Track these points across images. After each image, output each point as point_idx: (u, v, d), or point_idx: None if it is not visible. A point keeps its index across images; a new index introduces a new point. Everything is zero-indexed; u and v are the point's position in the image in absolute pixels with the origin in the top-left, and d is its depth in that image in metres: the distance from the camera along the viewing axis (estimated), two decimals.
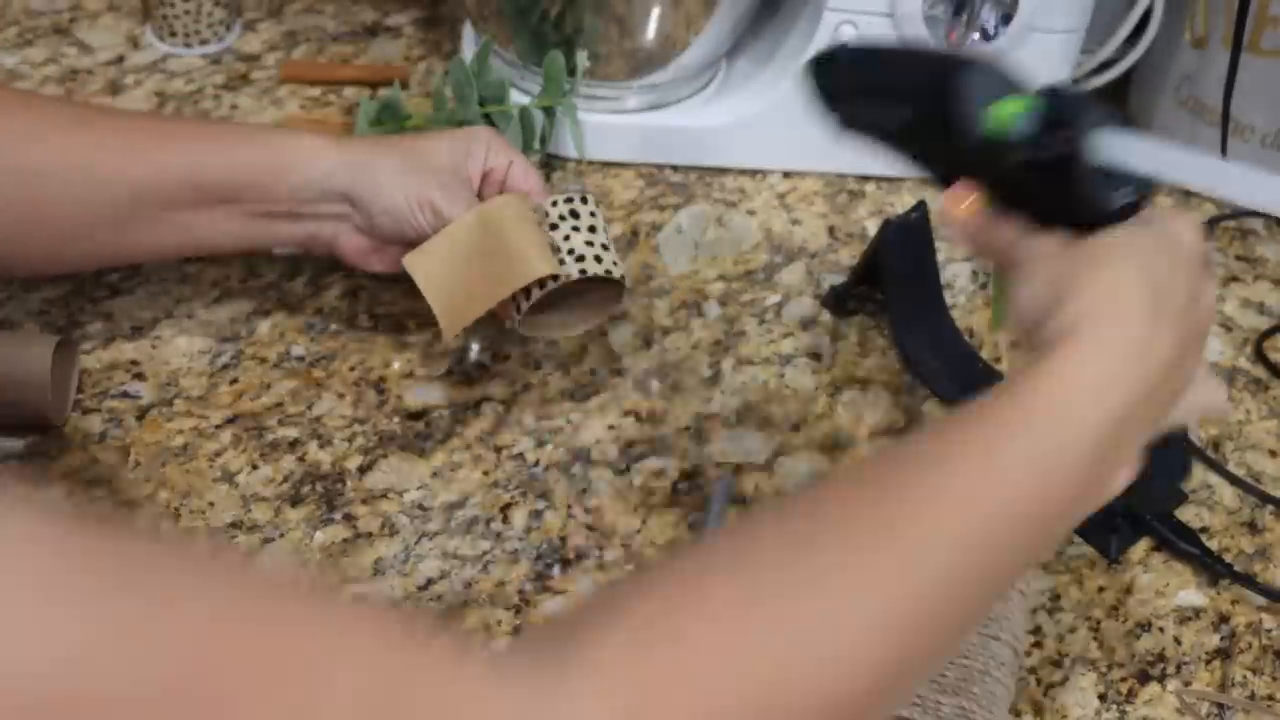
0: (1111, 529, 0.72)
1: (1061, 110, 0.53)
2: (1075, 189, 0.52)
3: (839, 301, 0.86)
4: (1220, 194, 0.56)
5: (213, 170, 0.70)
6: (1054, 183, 0.53)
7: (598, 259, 0.72)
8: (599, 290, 0.76)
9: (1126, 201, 0.53)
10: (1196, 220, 0.53)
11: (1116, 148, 0.51)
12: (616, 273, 0.73)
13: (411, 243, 0.73)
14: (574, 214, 0.73)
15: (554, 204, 0.74)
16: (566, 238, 0.73)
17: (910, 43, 0.66)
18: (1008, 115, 0.53)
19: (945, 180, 0.58)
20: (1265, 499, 0.76)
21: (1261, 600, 0.71)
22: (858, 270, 0.84)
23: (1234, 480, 0.77)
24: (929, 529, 0.44)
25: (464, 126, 0.81)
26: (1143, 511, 0.72)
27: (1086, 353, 0.48)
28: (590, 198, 0.74)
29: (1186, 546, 0.71)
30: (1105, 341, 0.48)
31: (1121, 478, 0.50)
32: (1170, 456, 0.68)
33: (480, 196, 0.75)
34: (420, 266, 0.72)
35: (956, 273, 0.84)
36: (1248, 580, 0.70)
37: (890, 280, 0.81)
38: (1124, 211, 0.53)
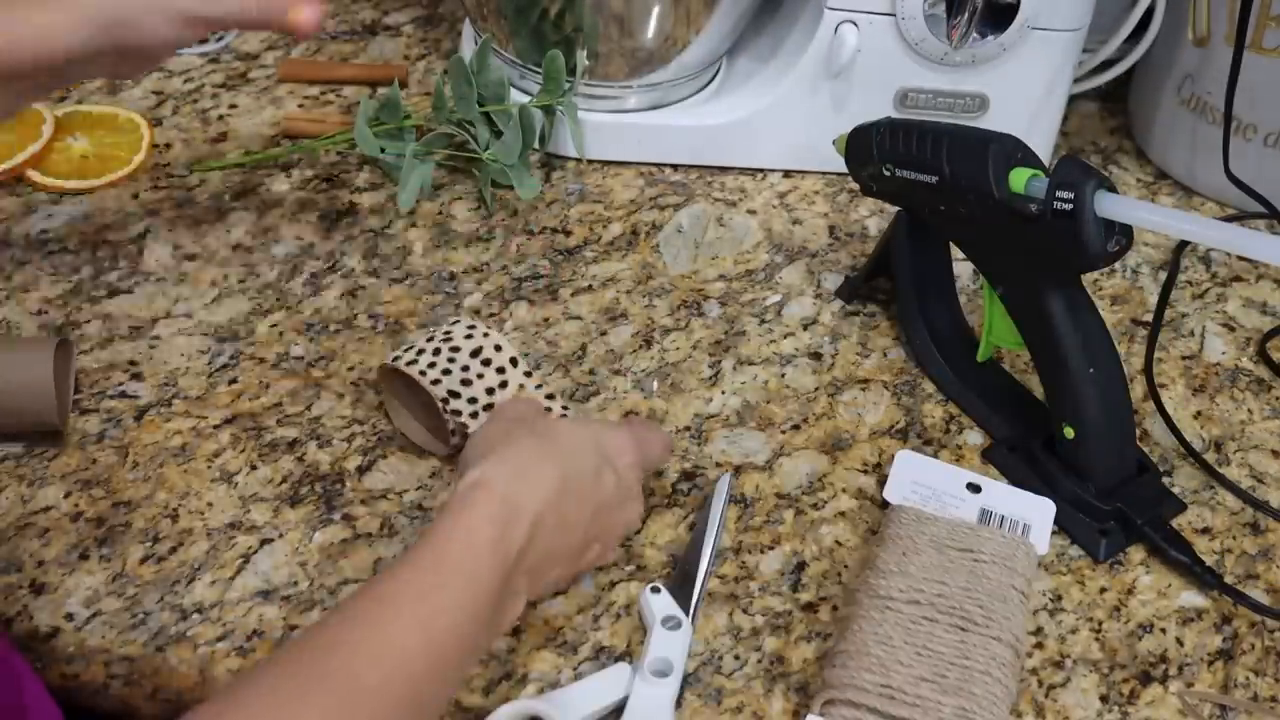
0: (1102, 531, 0.72)
1: (1067, 175, 0.65)
2: (1079, 237, 0.65)
3: (853, 292, 0.86)
4: (1192, 239, 0.66)
5: None
6: (1061, 232, 0.66)
7: (474, 416, 0.71)
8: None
9: (1119, 247, 0.66)
10: (636, 462, 0.66)
11: (1110, 205, 0.65)
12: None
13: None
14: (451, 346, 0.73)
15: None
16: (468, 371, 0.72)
17: (931, 121, 0.76)
18: (1026, 179, 0.68)
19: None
20: (1256, 505, 0.76)
21: (1266, 601, 0.71)
22: (872, 261, 0.85)
23: (1232, 489, 0.77)
24: (355, 681, 0.51)
25: None
26: (1135, 516, 0.72)
27: (483, 512, 0.57)
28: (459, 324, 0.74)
29: (1177, 554, 0.71)
30: (499, 503, 0.58)
31: (517, 612, 0.60)
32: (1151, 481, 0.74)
33: None
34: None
35: (958, 272, 0.83)
36: (1235, 592, 0.70)
37: (900, 271, 0.82)
38: (1113, 255, 0.66)
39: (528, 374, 0.73)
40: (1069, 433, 0.72)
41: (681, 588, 0.68)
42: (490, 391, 0.72)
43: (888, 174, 0.76)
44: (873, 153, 0.77)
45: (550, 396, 0.73)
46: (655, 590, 0.67)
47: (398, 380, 0.75)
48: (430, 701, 0.54)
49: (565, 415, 0.73)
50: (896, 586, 0.65)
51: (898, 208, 0.81)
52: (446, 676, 0.55)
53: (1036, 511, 0.72)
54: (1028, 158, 0.70)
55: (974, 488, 0.73)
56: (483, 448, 0.61)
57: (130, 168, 0.91)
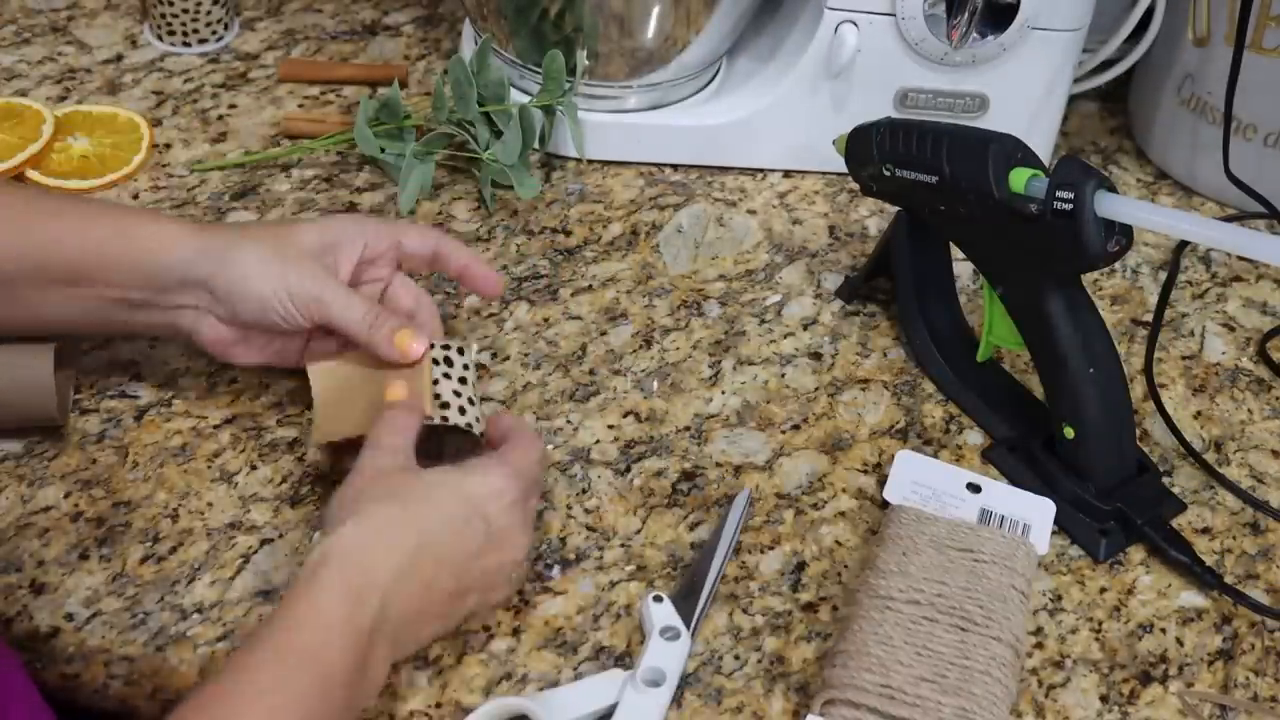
0: (1102, 531, 0.72)
1: (1066, 175, 0.66)
2: (1079, 236, 0.65)
3: (853, 292, 0.86)
4: (1191, 239, 0.66)
5: (62, 250, 0.68)
6: (1061, 231, 0.66)
7: (461, 410, 0.70)
8: (456, 439, 0.73)
9: (1119, 247, 0.66)
10: (509, 494, 0.63)
11: (1110, 205, 0.65)
12: (476, 429, 0.70)
13: (278, 332, 0.70)
14: (448, 361, 0.71)
15: (431, 347, 0.71)
16: (436, 382, 0.70)
17: (930, 121, 0.76)
18: (1026, 179, 0.68)
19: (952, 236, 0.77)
20: (1256, 505, 0.76)
21: (1266, 601, 0.71)
22: (872, 261, 0.85)
23: (1233, 488, 0.77)
24: None
25: (340, 215, 0.80)
26: (1135, 516, 0.72)
27: (330, 587, 0.57)
28: (469, 349, 0.73)
29: (1177, 554, 0.71)
30: (347, 579, 0.57)
31: (384, 676, 0.59)
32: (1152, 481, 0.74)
33: (353, 283, 0.73)
34: (320, 377, 0.71)
35: (958, 272, 0.83)
36: (1235, 592, 0.70)
37: (900, 271, 0.82)
38: (1113, 255, 0.67)
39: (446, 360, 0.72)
40: (1069, 433, 0.72)
41: (685, 599, 0.67)
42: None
43: (888, 174, 0.76)
44: (873, 153, 0.77)
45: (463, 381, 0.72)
46: (658, 599, 0.67)
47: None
48: None
49: (469, 416, 0.70)
50: (896, 586, 0.65)
51: (897, 208, 0.81)
52: None
53: (1036, 511, 0.72)
54: (1028, 158, 0.70)
55: (974, 488, 0.73)
56: (337, 512, 0.60)
57: (130, 168, 0.91)
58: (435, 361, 0.71)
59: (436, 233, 0.76)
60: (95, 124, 0.94)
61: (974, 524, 0.70)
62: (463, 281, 0.76)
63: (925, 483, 0.73)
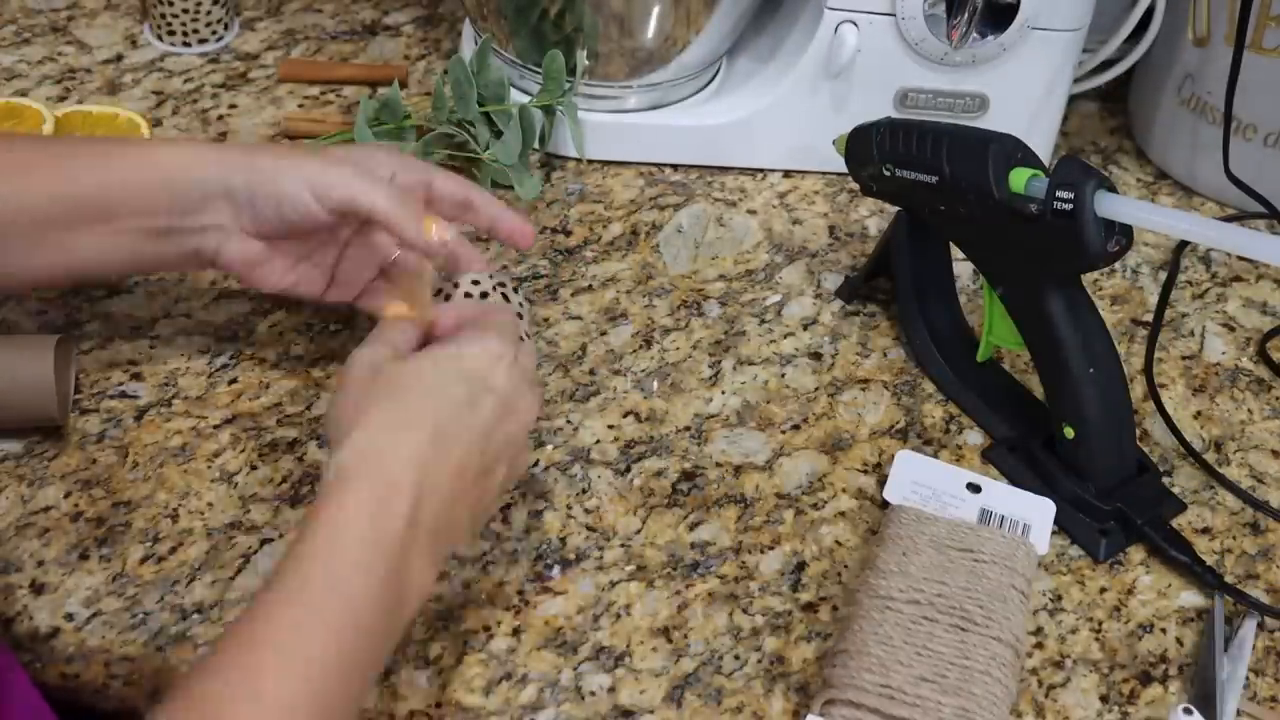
0: (1102, 531, 0.72)
1: (1066, 175, 0.66)
2: (1079, 236, 0.65)
3: (853, 292, 0.87)
4: (1191, 239, 0.66)
5: (85, 185, 0.67)
6: (1061, 231, 0.66)
7: None
8: None
9: (1119, 247, 0.67)
10: (505, 357, 0.61)
11: (1110, 205, 0.65)
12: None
13: (300, 237, 0.69)
14: (504, 297, 0.69)
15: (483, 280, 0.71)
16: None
17: (930, 122, 0.76)
18: (1026, 179, 0.68)
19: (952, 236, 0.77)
20: (1256, 505, 0.76)
21: (1266, 601, 0.71)
22: (872, 261, 0.85)
23: (1232, 488, 0.77)
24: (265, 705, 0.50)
25: (372, 144, 0.75)
26: (1135, 516, 0.72)
27: (350, 503, 0.54)
28: (520, 289, 0.70)
29: (1177, 554, 0.71)
30: (368, 488, 0.54)
31: (430, 580, 0.57)
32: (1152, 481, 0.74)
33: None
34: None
35: (958, 272, 0.83)
36: (1235, 591, 0.70)
37: (900, 271, 0.82)
38: (1113, 255, 0.67)
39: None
40: (1069, 433, 0.72)
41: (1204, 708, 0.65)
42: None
43: (888, 174, 0.76)
44: (873, 153, 0.77)
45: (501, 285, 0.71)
46: (1188, 712, 0.63)
47: None
48: (343, 691, 0.52)
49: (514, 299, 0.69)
50: (896, 586, 0.65)
51: (897, 208, 0.81)
52: (343, 702, 0.52)
53: (1036, 511, 0.72)
54: (1028, 158, 0.70)
55: (974, 488, 0.73)
56: (340, 421, 0.57)
57: None
58: (493, 289, 0.69)
59: (469, 182, 0.74)
60: (95, 124, 0.94)
61: (974, 524, 0.70)
62: (494, 234, 0.74)
63: (925, 483, 0.73)
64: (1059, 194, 0.66)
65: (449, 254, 0.71)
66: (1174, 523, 0.74)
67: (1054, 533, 0.73)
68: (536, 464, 0.75)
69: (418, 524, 0.55)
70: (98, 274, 0.73)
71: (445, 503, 0.56)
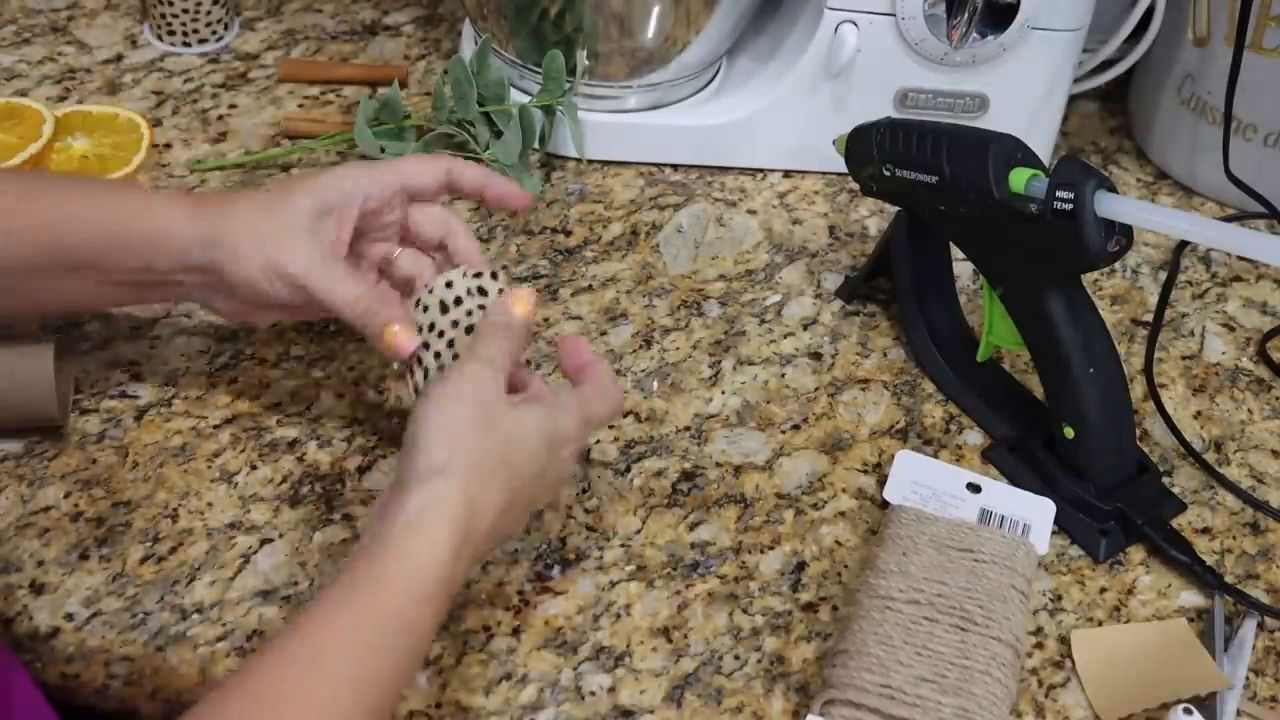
0: (1102, 531, 0.72)
1: (1067, 175, 0.66)
2: (1079, 236, 0.65)
3: (853, 292, 0.87)
4: (1191, 239, 0.66)
5: (75, 238, 0.66)
6: (1061, 231, 0.66)
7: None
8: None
9: (1119, 247, 0.66)
10: (582, 437, 0.63)
11: (1110, 205, 0.65)
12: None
13: (283, 307, 0.68)
14: (482, 291, 0.66)
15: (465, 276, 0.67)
16: (470, 313, 0.66)
17: (930, 121, 0.76)
18: (1026, 179, 0.68)
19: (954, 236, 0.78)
20: (1256, 505, 0.76)
21: (1266, 601, 0.71)
22: (872, 261, 0.85)
23: (1232, 489, 0.77)
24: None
25: (340, 169, 0.70)
26: (1135, 516, 0.72)
27: (438, 546, 0.55)
28: (501, 274, 0.68)
29: (1177, 554, 0.71)
30: (448, 533, 0.55)
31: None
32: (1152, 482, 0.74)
33: (361, 235, 0.70)
34: None
35: (958, 272, 0.83)
36: (1235, 591, 0.70)
37: (900, 271, 0.82)
38: (1113, 255, 0.67)
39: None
40: (1069, 433, 0.72)
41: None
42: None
43: (888, 174, 0.76)
44: (872, 153, 0.77)
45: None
46: (1189, 712, 0.63)
47: None
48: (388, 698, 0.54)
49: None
50: (896, 586, 0.65)
51: (897, 208, 0.81)
52: (381, 712, 0.54)
53: (1036, 511, 0.72)
54: (1028, 158, 0.70)
55: (974, 488, 0.73)
56: (435, 439, 0.57)
57: (130, 168, 0.91)
58: (469, 292, 0.67)
59: (444, 159, 0.71)
60: (95, 124, 0.94)
61: (974, 524, 0.70)
62: (486, 201, 0.72)
63: (925, 483, 0.73)
64: (1059, 194, 0.66)
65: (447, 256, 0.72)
66: (1174, 523, 0.74)
67: (1054, 533, 0.73)
68: None
69: (471, 564, 0.58)
70: (86, 311, 0.74)
71: (491, 541, 0.60)
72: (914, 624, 0.63)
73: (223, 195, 0.69)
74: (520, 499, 0.59)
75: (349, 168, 0.69)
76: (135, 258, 0.67)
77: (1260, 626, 0.69)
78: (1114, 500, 0.72)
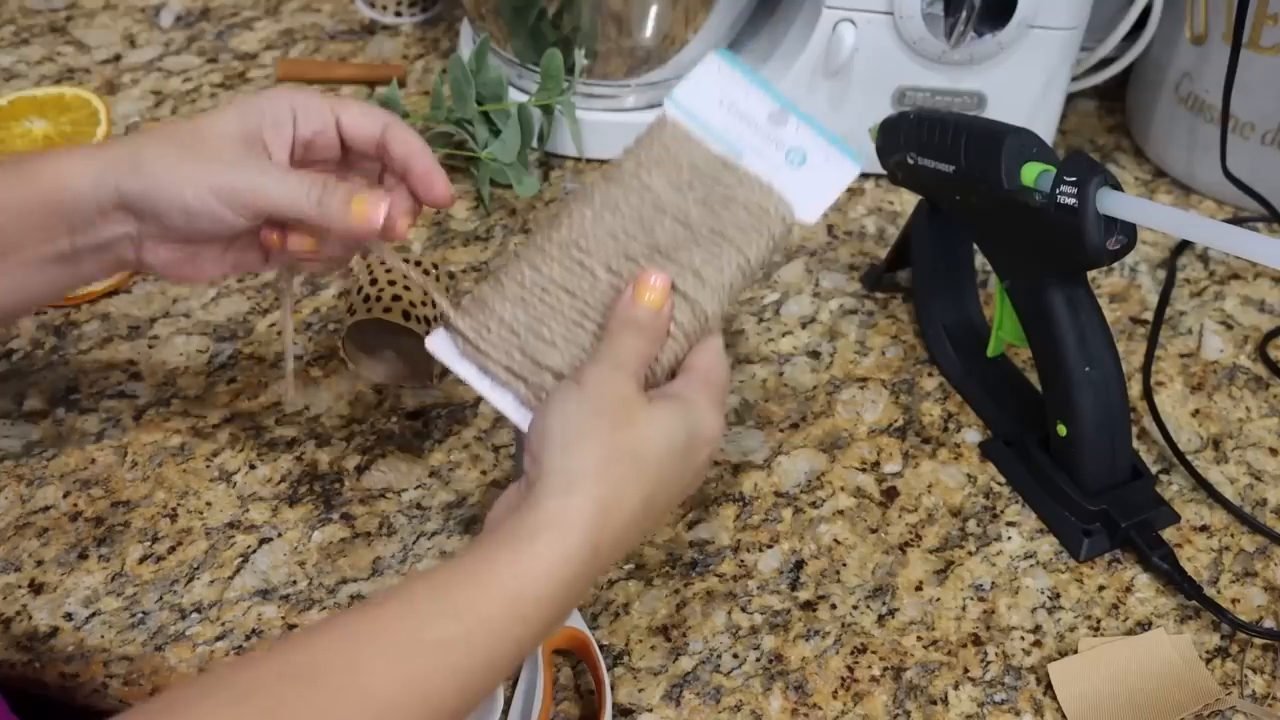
0: (1086, 532, 0.72)
1: (1072, 170, 0.66)
2: (1081, 233, 0.66)
3: (877, 281, 0.88)
4: (1193, 239, 0.65)
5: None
6: (1064, 226, 0.67)
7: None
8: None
9: (1120, 246, 0.67)
10: (718, 442, 0.58)
11: (1113, 202, 0.65)
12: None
13: (220, 239, 0.62)
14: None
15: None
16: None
17: (955, 113, 0.77)
18: (1037, 173, 0.69)
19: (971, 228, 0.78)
20: (1243, 519, 0.75)
21: (1263, 599, 0.71)
22: (895, 248, 0.85)
23: (1219, 499, 0.77)
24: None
25: (262, 92, 0.64)
26: (1119, 519, 0.71)
27: (561, 548, 0.51)
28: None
29: (1158, 561, 0.71)
30: (578, 540, 0.51)
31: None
32: (1144, 486, 0.73)
33: (296, 163, 0.64)
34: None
35: (981, 266, 0.83)
36: (1213, 605, 0.70)
37: (918, 260, 0.83)
38: (1115, 253, 0.67)
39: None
40: (1062, 430, 0.72)
41: None
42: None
43: (911, 163, 0.77)
44: (899, 141, 0.78)
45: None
46: None
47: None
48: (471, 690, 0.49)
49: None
50: (626, 186, 0.62)
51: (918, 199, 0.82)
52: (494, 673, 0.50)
53: (835, 172, 0.64)
54: (1043, 153, 0.71)
55: (778, 119, 0.65)
56: (570, 444, 0.54)
57: (98, 140, 0.92)
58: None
59: (385, 113, 0.64)
60: (46, 106, 0.94)
61: (737, 165, 0.63)
62: (406, 179, 0.64)
63: (734, 104, 0.65)
64: (1063, 189, 0.66)
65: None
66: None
67: (1047, 531, 0.73)
68: None
69: (590, 580, 0.53)
70: (16, 310, 0.64)
71: (614, 555, 0.55)
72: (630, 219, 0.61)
73: (125, 142, 0.61)
74: (657, 501, 0.55)
75: (275, 91, 0.63)
76: (46, 218, 0.60)
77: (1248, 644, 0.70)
78: (1101, 502, 0.72)
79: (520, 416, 0.58)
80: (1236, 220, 0.96)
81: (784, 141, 0.64)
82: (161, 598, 0.67)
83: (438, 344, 0.60)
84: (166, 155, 0.59)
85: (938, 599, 0.70)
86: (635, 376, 0.56)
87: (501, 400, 0.58)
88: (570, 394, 0.55)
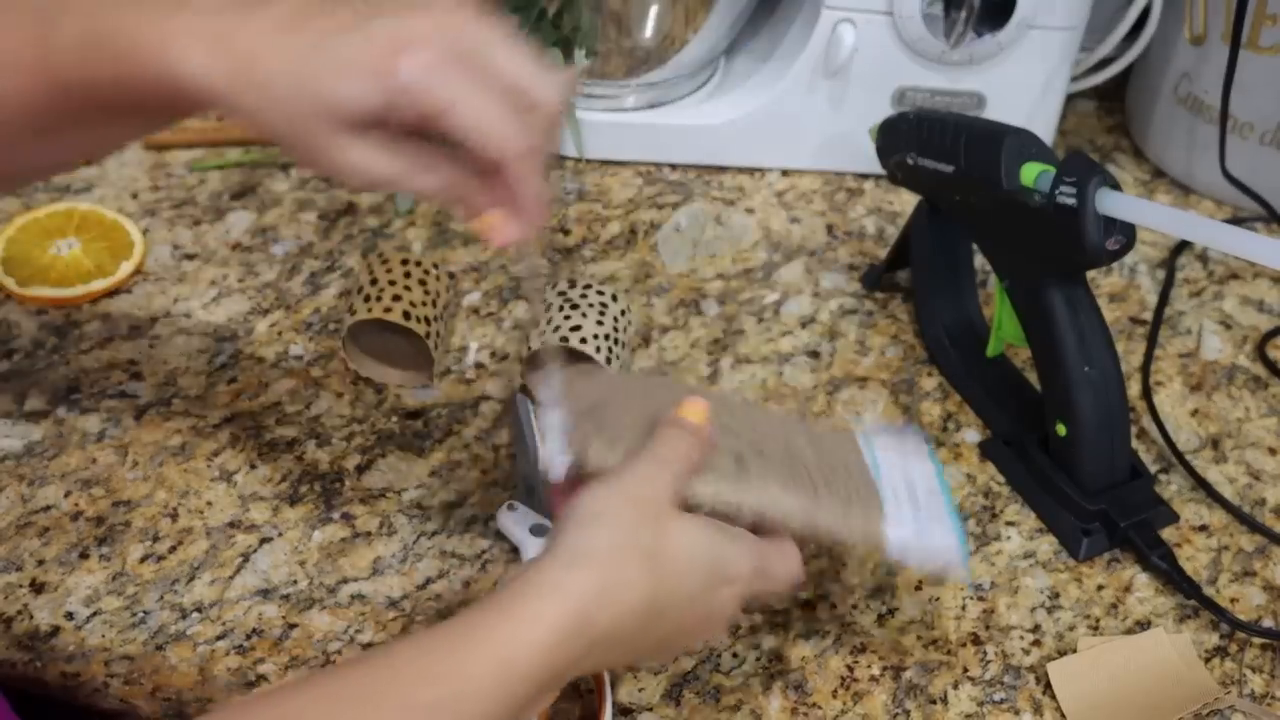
0: (1085, 531, 0.72)
1: (1071, 170, 0.66)
2: (1080, 232, 0.66)
3: (877, 280, 0.88)
4: (1192, 239, 0.65)
5: (107, 89, 0.53)
6: (1063, 226, 0.67)
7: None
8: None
9: (1119, 246, 0.67)
10: (749, 568, 0.57)
11: (1112, 202, 0.65)
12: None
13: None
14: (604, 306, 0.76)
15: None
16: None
17: (956, 113, 0.78)
18: (1036, 173, 0.69)
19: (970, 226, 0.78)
20: (1242, 518, 0.75)
21: (1262, 598, 0.71)
22: (895, 248, 0.86)
23: (1218, 499, 0.77)
24: None
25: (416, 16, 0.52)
26: (1118, 519, 0.72)
27: (549, 621, 0.50)
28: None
29: (1157, 561, 0.71)
30: (560, 603, 0.50)
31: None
32: (1143, 486, 0.73)
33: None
34: None
35: (981, 267, 0.84)
36: (1212, 605, 0.70)
37: (918, 260, 0.83)
38: (1115, 253, 0.67)
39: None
40: (1061, 430, 0.72)
41: (530, 499, 0.69)
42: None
43: (911, 163, 0.77)
44: (899, 141, 0.78)
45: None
46: (512, 508, 0.69)
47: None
48: None
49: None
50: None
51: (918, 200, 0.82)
52: None
53: (938, 547, 0.62)
54: (1042, 153, 0.71)
55: (929, 496, 0.64)
56: (588, 525, 0.53)
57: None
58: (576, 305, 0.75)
59: (531, 136, 0.53)
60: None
61: (872, 479, 0.64)
62: (497, 197, 0.55)
63: (906, 469, 0.66)
64: (1062, 189, 0.66)
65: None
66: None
67: (1047, 530, 0.73)
68: None
69: (565, 671, 0.51)
70: (115, 150, 0.62)
71: (594, 663, 0.53)
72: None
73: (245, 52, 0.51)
74: (665, 618, 0.53)
75: (421, 38, 0.51)
76: (170, 97, 0.53)
77: (1246, 644, 0.70)
78: (1100, 502, 0.72)
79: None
80: (1235, 220, 0.96)
81: (919, 504, 0.63)
82: (162, 597, 0.67)
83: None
84: (285, 82, 0.51)
85: (937, 598, 0.70)
86: (675, 478, 0.56)
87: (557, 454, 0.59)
88: (607, 478, 0.55)
